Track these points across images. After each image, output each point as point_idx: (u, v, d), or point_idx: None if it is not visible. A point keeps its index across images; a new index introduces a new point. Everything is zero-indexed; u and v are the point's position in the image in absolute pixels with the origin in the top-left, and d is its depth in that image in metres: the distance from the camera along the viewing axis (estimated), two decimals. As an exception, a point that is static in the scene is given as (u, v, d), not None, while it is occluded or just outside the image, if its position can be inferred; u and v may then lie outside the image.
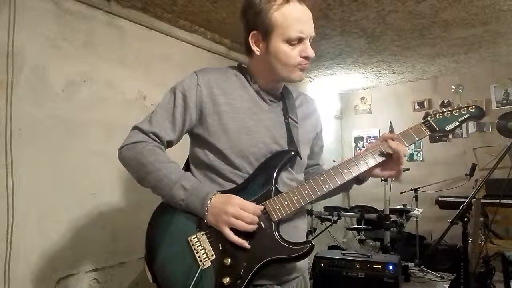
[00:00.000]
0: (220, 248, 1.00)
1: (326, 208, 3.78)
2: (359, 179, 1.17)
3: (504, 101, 4.23)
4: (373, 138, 5.17)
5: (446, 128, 1.13)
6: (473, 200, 2.22)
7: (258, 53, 1.08)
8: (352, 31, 3.03)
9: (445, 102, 4.61)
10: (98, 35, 2.27)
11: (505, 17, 2.79)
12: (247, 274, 0.97)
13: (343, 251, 3.08)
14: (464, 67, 4.19)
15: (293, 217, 1.09)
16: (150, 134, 1.09)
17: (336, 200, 4.50)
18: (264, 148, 1.09)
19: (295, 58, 1.05)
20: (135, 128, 1.11)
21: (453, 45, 3.43)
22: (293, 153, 1.11)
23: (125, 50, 2.43)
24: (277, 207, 1.02)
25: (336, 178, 1.06)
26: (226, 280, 0.96)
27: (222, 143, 1.08)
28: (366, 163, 1.09)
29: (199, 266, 0.98)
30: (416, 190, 4.24)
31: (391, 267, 2.63)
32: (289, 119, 1.16)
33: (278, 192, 1.05)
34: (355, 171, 1.08)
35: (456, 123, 1.14)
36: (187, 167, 1.18)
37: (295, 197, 1.03)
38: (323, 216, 3.61)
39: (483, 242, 2.51)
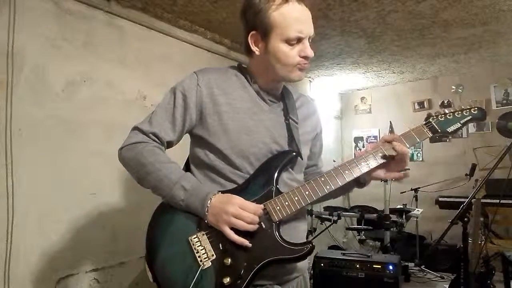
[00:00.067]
0: (221, 248, 1.00)
1: (326, 208, 3.79)
2: (360, 183, 1.16)
3: (504, 101, 4.23)
4: (373, 138, 5.17)
5: (448, 130, 1.12)
6: (473, 200, 2.22)
7: (257, 53, 1.09)
8: (352, 31, 3.03)
9: (445, 102, 4.62)
10: (98, 35, 2.27)
11: (505, 17, 2.79)
12: (247, 274, 0.97)
13: (343, 251, 3.08)
14: (464, 67, 4.19)
15: (294, 218, 1.09)
16: (150, 135, 1.09)
17: (336, 200, 4.49)
18: (264, 148, 1.09)
19: (294, 58, 1.05)
20: (135, 128, 1.11)
21: (453, 45, 3.43)
22: (294, 153, 1.11)
23: (125, 50, 2.43)
24: (278, 208, 1.02)
25: (337, 178, 1.06)
26: (226, 280, 0.96)
27: (222, 143, 1.08)
28: (368, 164, 1.09)
29: (199, 266, 0.98)
30: (416, 190, 4.24)
31: (391, 267, 2.63)
32: (290, 120, 1.16)
33: (279, 192, 1.05)
34: (356, 172, 1.07)
35: (458, 125, 1.13)
36: (187, 167, 1.18)
37: (296, 198, 1.03)
38: (323, 216, 3.61)
39: (483, 242, 2.51)
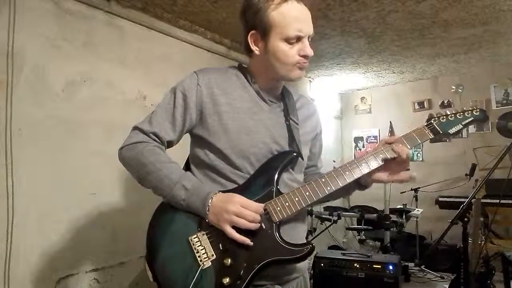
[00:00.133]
0: (221, 248, 1.00)
1: (326, 208, 3.78)
2: (362, 185, 1.16)
3: (504, 101, 4.23)
4: (373, 138, 5.17)
5: (449, 131, 1.12)
6: (473, 200, 2.22)
7: (257, 52, 1.09)
8: (352, 31, 3.03)
9: (445, 102, 4.62)
10: (98, 35, 2.27)
11: (505, 17, 2.79)
12: (247, 275, 0.97)
13: (343, 251, 3.08)
14: (464, 67, 4.19)
15: (294, 218, 1.09)
16: (151, 135, 1.09)
17: (336, 200, 4.48)
18: (265, 148, 1.09)
19: (293, 56, 1.05)
20: (135, 128, 1.11)
21: (453, 45, 3.43)
22: (294, 154, 1.12)
23: (125, 50, 2.43)
24: (278, 208, 1.02)
25: (337, 179, 1.05)
26: (226, 280, 0.95)
27: (223, 143, 1.08)
28: (368, 165, 1.08)
29: (199, 266, 0.98)
30: (416, 190, 4.24)
31: (391, 267, 2.63)
32: (290, 121, 1.16)
33: (279, 193, 1.05)
34: (357, 173, 1.07)
35: (460, 126, 1.13)
36: (187, 167, 1.18)
37: (296, 199, 1.03)
38: (323, 216, 3.61)
39: (483, 242, 2.51)
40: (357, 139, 5.31)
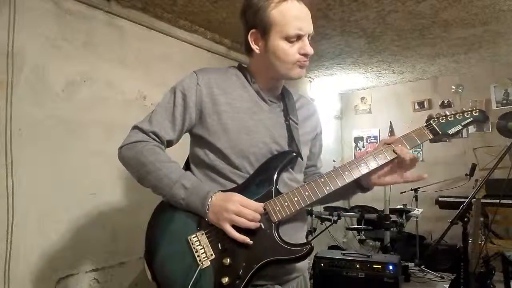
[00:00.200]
0: (220, 248, 1.00)
1: (326, 208, 3.78)
2: (364, 187, 1.16)
3: (504, 101, 4.23)
4: (373, 138, 5.17)
5: (449, 132, 1.12)
6: (473, 200, 2.22)
7: (257, 51, 1.09)
8: (352, 31, 3.03)
9: (445, 102, 4.62)
10: (98, 35, 2.27)
11: (505, 17, 2.79)
12: (246, 275, 0.97)
13: (343, 251, 3.08)
14: (464, 67, 4.19)
15: (293, 218, 1.09)
16: (150, 134, 1.09)
17: (336, 200, 4.49)
18: (264, 148, 1.09)
19: (293, 55, 1.05)
20: (135, 127, 1.11)
21: (453, 45, 3.43)
22: (294, 154, 1.12)
23: (125, 50, 2.43)
24: (277, 208, 1.02)
25: (336, 179, 1.05)
26: (225, 280, 0.96)
27: (222, 142, 1.08)
28: (368, 165, 1.08)
29: (198, 265, 0.98)
30: (416, 190, 4.23)
31: (391, 267, 2.63)
32: (290, 121, 1.16)
33: (278, 193, 1.05)
34: (356, 174, 1.07)
35: (459, 127, 1.12)
36: (187, 167, 1.18)
37: (295, 198, 1.03)
38: (323, 216, 3.61)
39: (483, 242, 2.51)
40: (357, 139, 5.31)
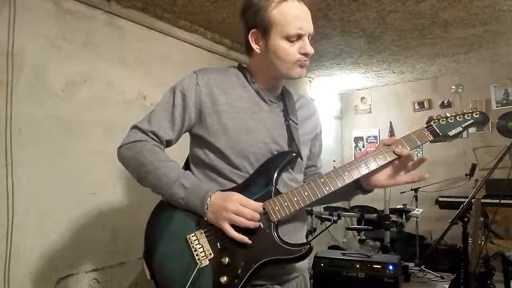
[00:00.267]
0: (219, 247, 1.00)
1: (326, 208, 3.78)
2: (365, 189, 1.16)
3: (504, 101, 4.23)
4: (373, 138, 5.17)
5: (449, 134, 1.11)
6: (473, 200, 2.22)
7: (258, 51, 1.09)
8: (352, 31, 3.03)
9: (445, 102, 4.62)
10: (98, 35, 2.27)
11: (505, 17, 2.79)
12: (244, 274, 0.96)
13: (343, 251, 3.08)
14: (464, 67, 4.19)
15: (293, 218, 1.09)
16: (149, 133, 1.09)
17: (336, 200, 4.48)
18: (264, 148, 1.09)
19: (294, 55, 1.06)
20: (134, 127, 1.12)
21: (453, 45, 3.43)
22: (294, 154, 1.12)
23: (125, 50, 2.43)
24: (277, 208, 1.02)
25: (336, 180, 1.05)
26: (224, 279, 0.96)
27: (222, 142, 1.08)
28: (368, 166, 1.07)
29: (197, 264, 0.98)
30: (416, 190, 4.23)
31: (391, 267, 2.63)
32: (290, 121, 1.16)
33: (278, 193, 1.05)
34: (356, 174, 1.06)
35: (460, 129, 1.12)
36: (187, 166, 1.18)
37: (295, 198, 1.03)
38: (323, 216, 3.61)
39: (483, 242, 2.51)
40: (357, 139, 5.31)
